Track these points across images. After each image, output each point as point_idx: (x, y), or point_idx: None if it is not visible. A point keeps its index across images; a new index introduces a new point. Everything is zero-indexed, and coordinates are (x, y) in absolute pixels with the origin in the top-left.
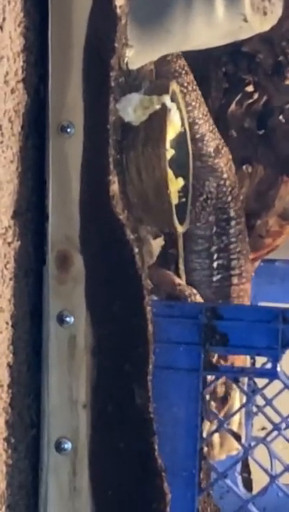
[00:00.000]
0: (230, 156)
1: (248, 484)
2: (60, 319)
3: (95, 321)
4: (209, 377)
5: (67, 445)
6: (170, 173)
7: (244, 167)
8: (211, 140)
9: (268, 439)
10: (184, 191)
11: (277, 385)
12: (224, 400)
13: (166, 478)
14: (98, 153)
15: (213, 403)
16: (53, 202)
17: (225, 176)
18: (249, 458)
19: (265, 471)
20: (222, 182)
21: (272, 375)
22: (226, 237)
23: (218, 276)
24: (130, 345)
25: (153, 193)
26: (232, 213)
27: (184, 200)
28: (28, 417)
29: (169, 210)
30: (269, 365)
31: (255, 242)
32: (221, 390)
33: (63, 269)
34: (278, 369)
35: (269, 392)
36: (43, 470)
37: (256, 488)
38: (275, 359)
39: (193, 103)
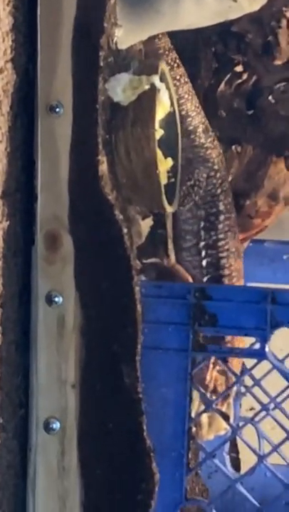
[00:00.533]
0: (221, 151)
1: (236, 464)
2: (49, 299)
3: (84, 302)
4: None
5: (56, 425)
6: (159, 153)
7: (233, 147)
8: (203, 132)
9: (256, 419)
10: (173, 171)
11: (265, 365)
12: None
13: (154, 458)
14: (87, 133)
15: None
16: (41, 182)
17: (216, 167)
18: (237, 438)
19: (254, 451)
20: (212, 173)
21: (260, 355)
22: (215, 233)
23: (208, 276)
24: (119, 325)
25: (142, 173)
26: (221, 207)
27: (172, 180)
28: (17, 397)
29: (158, 191)
30: (257, 346)
31: (244, 222)
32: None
33: (52, 250)
34: (267, 349)
35: (257, 372)
36: (31, 450)
37: (244, 468)
38: (264, 339)
39: (186, 96)
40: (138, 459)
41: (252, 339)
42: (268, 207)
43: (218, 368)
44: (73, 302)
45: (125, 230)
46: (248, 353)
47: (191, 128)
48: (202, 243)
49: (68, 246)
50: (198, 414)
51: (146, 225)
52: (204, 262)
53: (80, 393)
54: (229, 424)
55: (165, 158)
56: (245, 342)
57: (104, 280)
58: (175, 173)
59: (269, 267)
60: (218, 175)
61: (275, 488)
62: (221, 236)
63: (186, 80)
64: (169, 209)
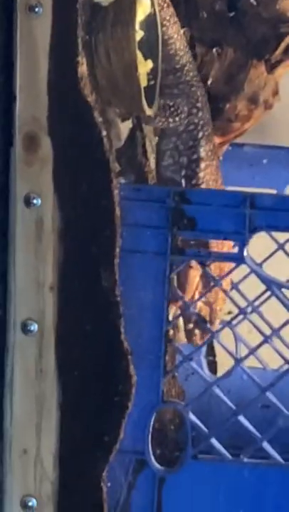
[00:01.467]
0: (204, 92)
1: (212, 367)
2: (27, 201)
3: (63, 204)
4: None
5: (34, 327)
6: (139, 55)
7: (214, 49)
8: (191, 70)
9: (234, 322)
10: (153, 74)
11: (243, 269)
12: None
13: (132, 361)
14: (67, 33)
15: None
16: (20, 83)
17: (198, 105)
18: (214, 341)
19: (231, 354)
20: (194, 110)
21: (238, 259)
22: (196, 181)
23: None
24: (97, 228)
25: (122, 75)
26: (202, 153)
27: (152, 82)
28: None
29: (137, 93)
30: (236, 250)
31: (223, 126)
32: None
33: (31, 151)
34: (245, 254)
35: (235, 276)
36: (8, 351)
37: (221, 371)
38: (242, 244)
39: (175, 35)
40: (115, 362)
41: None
42: (247, 110)
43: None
44: (52, 204)
45: (104, 133)
46: (227, 257)
47: (178, 66)
48: None
49: (47, 148)
50: (176, 317)
51: (125, 127)
52: None
53: (58, 295)
54: (207, 327)
55: (145, 60)
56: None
57: (83, 182)
58: (155, 75)
59: (248, 171)
60: (200, 114)
61: (251, 391)
62: (203, 186)
63: (176, 19)
64: (149, 111)
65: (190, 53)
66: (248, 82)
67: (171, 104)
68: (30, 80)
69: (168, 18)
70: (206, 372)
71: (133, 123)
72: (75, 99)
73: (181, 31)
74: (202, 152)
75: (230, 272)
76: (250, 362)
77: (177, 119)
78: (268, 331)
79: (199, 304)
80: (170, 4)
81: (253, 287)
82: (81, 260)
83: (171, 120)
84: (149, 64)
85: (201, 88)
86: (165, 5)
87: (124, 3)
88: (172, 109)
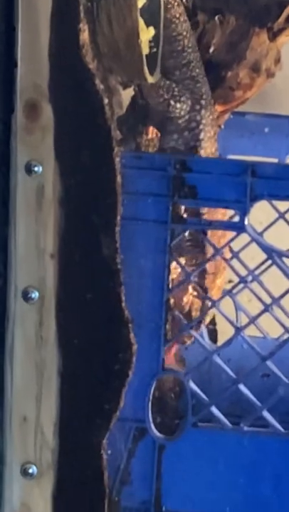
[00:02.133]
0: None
1: (213, 336)
2: (28, 169)
3: (64, 172)
4: None
5: (35, 294)
6: (141, 22)
7: (216, 17)
8: (197, 68)
9: (234, 291)
10: (155, 41)
11: (244, 238)
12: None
13: (132, 329)
14: (68, 0)
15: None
16: (21, 50)
17: (203, 102)
18: (215, 310)
19: (231, 323)
20: (198, 107)
21: (239, 228)
22: None
23: None
24: (98, 196)
25: (124, 42)
26: (203, 155)
27: (154, 50)
28: None
29: (139, 60)
30: (237, 219)
31: (225, 94)
32: None
33: (32, 119)
34: (246, 222)
35: (236, 245)
36: (9, 319)
37: (221, 339)
38: (243, 212)
39: (184, 33)
40: (116, 330)
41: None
42: (249, 79)
43: (195, 293)
44: (53, 172)
45: (106, 100)
46: (227, 225)
47: (184, 62)
48: None
49: (48, 115)
50: (177, 286)
51: (127, 95)
52: None
53: (59, 263)
54: (207, 296)
55: (147, 27)
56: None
57: (84, 150)
58: (157, 42)
59: (249, 140)
60: (202, 112)
61: (251, 360)
62: None
63: (185, 18)
64: (150, 79)
65: (198, 53)
66: (250, 50)
67: (176, 88)
68: (32, 47)
69: (178, 15)
70: (206, 340)
71: (135, 91)
72: (76, 66)
73: (191, 30)
74: (203, 154)
75: (230, 241)
76: (251, 331)
77: (178, 105)
78: (268, 300)
79: (191, 298)
80: (180, 3)
81: (253, 257)
82: (82, 228)
83: (172, 103)
84: (151, 31)
85: (206, 86)
86: (176, 3)
87: None
88: (176, 92)
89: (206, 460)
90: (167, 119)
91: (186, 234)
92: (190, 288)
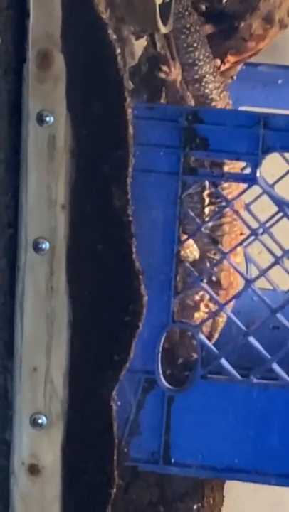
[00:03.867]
0: (230, 101)
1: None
2: (40, 119)
3: (75, 122)
4: None
5: (45, 245)
6: None
7: None
8: (210, 82)
9: (245, 244)
10: None
11: (255, 190)
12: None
13: (143, 281)
14: None
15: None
16: None
17: None
18: (225, 262)
19: (241, 275)
20: None
21: (251, 180)
22: None
23: None
24: (110, 146)
25: None
26: None
27: (168, 0)
28: (6, 216)
29: (152, 10)
30: (248, 171)
31: (238, 45)
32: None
33: (44, 68)
34: (258, 175)
35: (247, 197)
36: (20, 269)
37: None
38: (255, 165)
39: (195, 44)
40: (126, 281)
41: None
42: (262, 30)
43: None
44: (64, 122)
45: (118, 50)
46: (239, 177)
47: (197, 77)
48: None
49: (60, 65)
50: (187, 238)
51: (139, 45)
52: None
53: (70, 214)
54: (218, 248)
55: None
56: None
57: (96, 101)
58: None
59: (262, 91)
60: None
61: (261, 312)
62: None
63: (197, 28)
64: (163, 29)
65: (212, 64)
66: (263, 0)
67: None
68: None
69: (188, 26)
70: None
71: (147, 41)
72: (89, 15)
73: (205, 40)
74: None
75: (242, 193)
76: (261, 283)
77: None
78: (278, 252)
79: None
80: (193, 13)
81: (264, 208)
82: (93, 179)
83: None
84: None
85: (223, 100)
86: (186, 13)
87: None
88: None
89: (215, 412)
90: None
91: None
92: (202, 306)
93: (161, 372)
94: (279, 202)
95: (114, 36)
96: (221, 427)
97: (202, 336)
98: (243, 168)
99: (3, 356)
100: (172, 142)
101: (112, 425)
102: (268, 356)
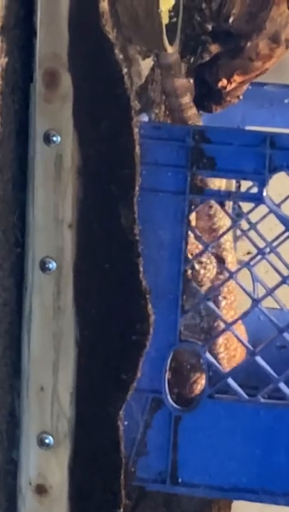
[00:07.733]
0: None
1: None
2: (47, 138)
3: (82, 141)
4: None
5: (52, 265)
6: None
7: None
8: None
9: (251, 263)
10: (174, 11)
11: (262, 210)
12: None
13: (150, 300)
14: None
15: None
16: (41, 18)
17: None
18: (232, 282)
19: (248, 294)
20: None
21: (258, 199)
22: None
23: None
24: (117, 166)
25: (143, 12)
26: None
27: (174, 20)
28: (13, 236)
29: (159, 30)
30: (255, 190)
31: (244, 65)
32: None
33: (51, 88)
34: (264, 194)
35: (254, 217)
36: (27, 289)
37: (238, 311)
38: (262, 184)
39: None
40: (134, 300)
41: None
42: (269, 49)
43: None
44: (71, 141)
45: (125, 70)
46: (246, 197)
47: None
48: None
49: (67, 84)
50: (194, 257)
51: (146, 65)
52: None
53: (77, 233)
54: (225, 267)
55: None
56: None
57: (103, 120)
58: (177, 12)
59: (268, 111)
60: None
61: (268, 331)
62: None
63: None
64: (170, 49)
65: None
66: (269, 20)
67: None
68: (51, 15)
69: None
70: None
71: (154, 61)
72: (96, 35)
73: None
74: None
75: (249, 212)
76: (268, 302)
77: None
78: (285, 272)
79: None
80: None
81: (271, 228)
82: (100, 198)
83: None
84: (171, 1)
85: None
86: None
87: None
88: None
89: (223, 431)
90: None
91: None
92: None
93: (168, 391)
94: (286, 221)
95: (121, 56)
96: (228, 446)
97: (209, 356)
98: (249, 188)
99: (10, 375)
100: (179, 162)
101: (119, 445)
102: (275, 376)
